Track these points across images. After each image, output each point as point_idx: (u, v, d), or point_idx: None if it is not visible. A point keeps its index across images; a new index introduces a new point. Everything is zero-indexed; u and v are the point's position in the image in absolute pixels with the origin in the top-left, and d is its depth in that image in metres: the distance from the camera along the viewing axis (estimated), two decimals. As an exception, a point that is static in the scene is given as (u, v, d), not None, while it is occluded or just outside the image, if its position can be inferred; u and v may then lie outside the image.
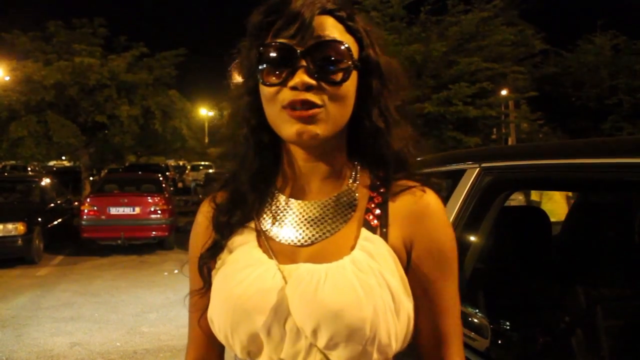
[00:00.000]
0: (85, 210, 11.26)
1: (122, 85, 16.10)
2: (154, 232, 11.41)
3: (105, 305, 7.31)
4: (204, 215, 1.12)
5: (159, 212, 11.40)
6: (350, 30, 0.98)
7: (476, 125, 15.21)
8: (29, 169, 25.65)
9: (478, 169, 2.04)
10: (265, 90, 0.96)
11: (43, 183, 12.47)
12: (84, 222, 11.22)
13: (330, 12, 0.96)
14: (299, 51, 0.92)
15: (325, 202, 1.02)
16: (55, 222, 11.65)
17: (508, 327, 2.03)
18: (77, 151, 17.58)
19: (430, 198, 1.02)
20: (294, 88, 0.92)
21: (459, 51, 14.59)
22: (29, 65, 15.51)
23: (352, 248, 0.97)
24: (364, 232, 0.99)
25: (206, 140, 37.30)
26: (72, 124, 15.94)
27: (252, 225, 1.05)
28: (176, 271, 9.64)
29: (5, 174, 18.92)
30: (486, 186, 2.00)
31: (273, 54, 0.94)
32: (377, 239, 0.98)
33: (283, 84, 0.94)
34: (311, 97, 0.92)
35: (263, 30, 0.97)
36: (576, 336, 2.15)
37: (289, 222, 1.02)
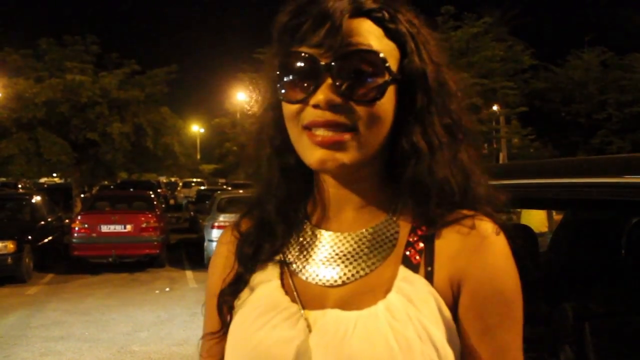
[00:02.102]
0: (76, 228, 11.22)
1: (113, 103, 16.08)
2: (145, 250, 11.37)
3: (95, 324, 7.26)
4: (225, 245, 0.97)
5: (151, 229, 11.38)
6: (390, 34, 0.81)
7: (467, 141, 15.30)
8: (20, 186, 25.51)
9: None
10: (286, 108, 0.83)
11: (34, 200, 12.41)
12: (74, 240, 11.17)
13: (366, 13, 0.80)
14: (323, 63, 0.77)
15: (360, 234, 0.87)
16: (46, 240, 11.57)
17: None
18: (69, 168, 17.51)
19: (487, 228, 0.82)
20: (316, 106, 0.78)
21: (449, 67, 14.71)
22: (20, 83, 15.49)
23: (388, 290, 0.81)
24: (403, 270, 0.82)
25: (198, 157, 37.32)
26: (63, 141, 15.90)
27: (277, 258, 0.91)
28: (167, 289, 9.59)
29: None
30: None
31: (295, 65, 0.80)
32: (418, 279, 0.81)
33: (305, 101, 0.79)
34: (337, 117, 0.78)
35: (288, 35, 0.81)
36: (564, 352, 2.16)
37: (317, 257, 0.88)
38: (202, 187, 28.79)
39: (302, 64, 0.79)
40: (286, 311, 0.83)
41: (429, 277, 0.81)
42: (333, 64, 0.77)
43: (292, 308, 0.84)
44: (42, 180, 31.91)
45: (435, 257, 0.82)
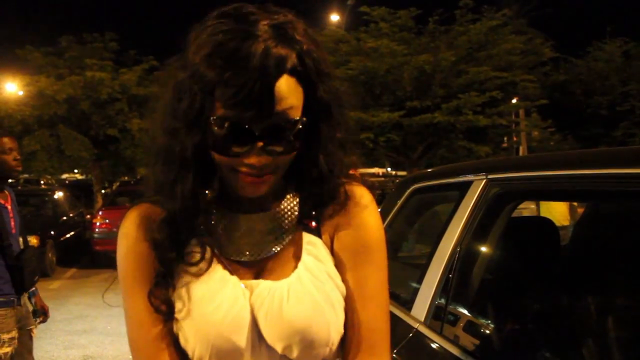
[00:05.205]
0: (98, 223, 11.37)
1: (133, 99, 16.21)
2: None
3: (118, 318, 7.34)
4: (141, 232, 1.00)
5: (171, 224, 11.44)
6: (301, 78, 0.90)
7: (486, 134, 15.19)
8: (42, 182, 25.82)
9: (485, 181, 2.04)
10: (216, 156, 0.92)
11: (56, 196, 12.60)
12: (96, 235, 11.32)
13: (286, 70, 0.88)
14: (256, 134, 0.88)
15: (270, 214, 1.02)
16: (68, 235, 11.75)
17: (518, 337, 2.03)
18: (89, 164, 17.70)
19: (356, 189, 1.04)
20: (250, 165, 0.90)
21: (468, 60, 14.59)
22: (41, 80, 15.66)
23: (300, 253, 1.00)
24: (306, 236, 1.02)
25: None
26: (84, 137, 16.07)
27: (202, 243, 1.00)
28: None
29: (19, 187, 19.05)
30: (493, 197, 2.01)
31: (228, 130, 0.88)
32: (317, 240, 1.02)
33: (239, 158, 0.90)
34: (265, 169, 0.91)
35: (212, 83, 0.86)
36: (587, 346, 2.14)
37: (237, 237, 1.01)
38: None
39: (237, 132, 0.88)
40: (229, 284, 0.97)
41: (320, 235, 1.03)
42: (264, 133, 0.88)
43: (232, 280, 0.97)
44: (64, 176, 32.26)
45: (322, 219, 1.03)
